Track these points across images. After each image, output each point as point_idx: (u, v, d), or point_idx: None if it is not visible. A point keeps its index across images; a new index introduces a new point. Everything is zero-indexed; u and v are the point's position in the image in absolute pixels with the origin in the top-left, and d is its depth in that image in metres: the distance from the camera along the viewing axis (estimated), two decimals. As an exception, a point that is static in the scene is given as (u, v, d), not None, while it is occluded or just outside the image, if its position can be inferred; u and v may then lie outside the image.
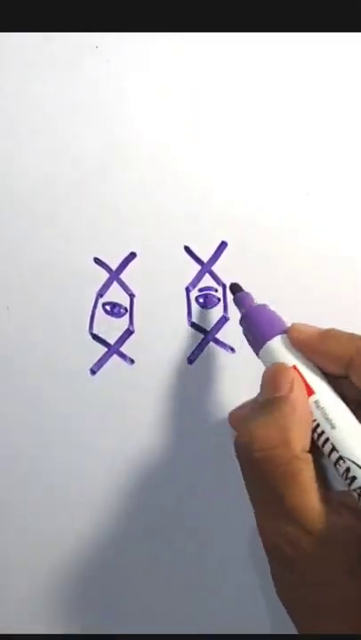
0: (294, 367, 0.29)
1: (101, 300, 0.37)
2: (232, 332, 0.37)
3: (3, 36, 0.38)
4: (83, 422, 0.37)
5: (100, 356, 0.37)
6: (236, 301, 0.34)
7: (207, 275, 0.37)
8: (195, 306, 0.37)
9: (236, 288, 0.34)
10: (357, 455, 0.27)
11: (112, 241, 0.37)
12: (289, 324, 0.31)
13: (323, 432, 0.28)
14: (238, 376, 0.37)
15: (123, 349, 0.37)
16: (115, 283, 0.37)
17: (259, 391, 0.30)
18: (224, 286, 0.37)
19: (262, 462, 0.27)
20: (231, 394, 0.37)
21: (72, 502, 0.37)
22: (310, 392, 0.29)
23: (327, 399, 0.28)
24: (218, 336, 0.37)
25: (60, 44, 0.38)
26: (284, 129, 0.38)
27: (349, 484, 0.27)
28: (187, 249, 0.37)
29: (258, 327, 0.31)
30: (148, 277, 0.37)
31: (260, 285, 0.37)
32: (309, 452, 0.28)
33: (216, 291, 0.37)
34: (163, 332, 0.37)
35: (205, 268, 0.37)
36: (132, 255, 0.37)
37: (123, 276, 0.37)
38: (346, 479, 0.27)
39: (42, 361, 0.37)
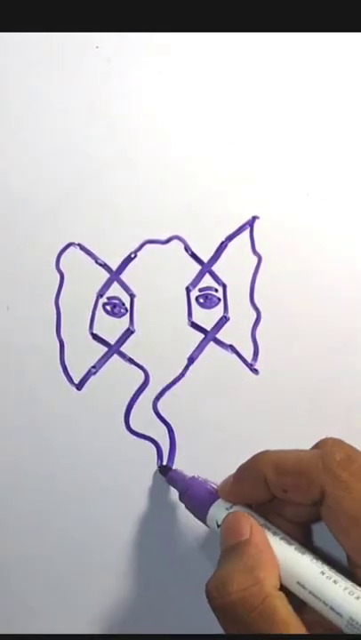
0: None
1: (101, 300, 0.37)
2: (232, 332, 0.37)
3: (3, 35, 0.38)
4: (83, 422, 0.37)
5: (99, 356, 0.37)
6: (170, 482, 0.35)
7: (207, 275, 0.37)
8: (195, 306, 0.37)
9: (164, 470, 0.36)
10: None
11: (112, 241, 0.37)
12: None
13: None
14: (238, 376, 0.37)
15: (123, 349, 0.37)
16: (115, 283, 0.37)
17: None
18: (224, 286, 0.37)
19: (238, 604, 0.27)
20: (231, 394, 0.37)
21: (72, 502, 0.37)
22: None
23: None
24: (218, 336, 0.37)
25: (60, 44, 0.38)
26: (285, 130, 0.38)
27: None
28: (187, 249, 0.37)
29: (196, 501, 0.33)
30: (148, 277, 0.37)
31: (261, 285, 0.37)
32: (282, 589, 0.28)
33: (216, 291, 0.37)
34: (163, 331, 0.37)
35: (205, 268, 0.37)
36: (133, 255, 0.37)
37: (123, 276, 0.37)
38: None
39: (42, 361, 0.37)
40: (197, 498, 0.33)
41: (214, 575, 0.28)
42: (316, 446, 0.30)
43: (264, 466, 0.30)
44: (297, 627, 0.26)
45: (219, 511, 0.31)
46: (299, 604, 0.27)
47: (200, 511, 0.32)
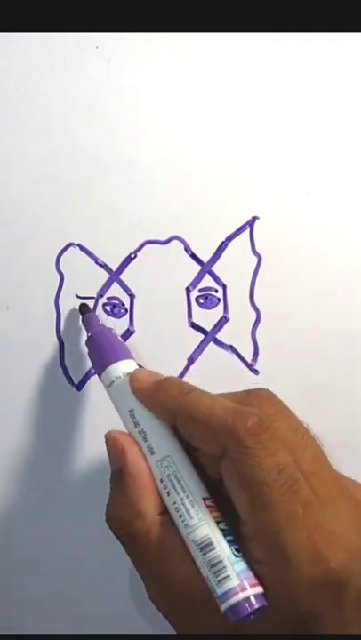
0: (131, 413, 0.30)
1: (101, 301, 0.37)
2: (232, 333, 0.37)
3: (3, 35, 0.38)
4: (83, 421, 0.37)
5: (100, 357, 0.37)
6: (83, 322, 0.35)
7: (207, 275, 0.37)
8: (195, 306, 0.37)
9: (84, 309, 0.36)
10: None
11: (112, 241, 0.37)
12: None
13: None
14: (238, 376, 0.37)
15: (123, 349, 0.37)
16: (115, 283, 0.37)
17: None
18: (224, 287, 0.37)
19: (124, 539, 0.28)
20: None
21: (72, 502, 0.37)
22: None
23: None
24: (218, 336, 0.37)
25: (60, 44, 0.38)
26: (285, 130, 0.38)
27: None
28: (187, 249, 0.37)
29: (101, 350, 0.32)
30: (148, 278, 0.37)
31: (261, 286, 0.37)
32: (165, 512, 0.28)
33: (216, 291, 0.37)
34: (163, 332, 0.37)
35: (205, 268, 0.37)
36: (132, 255, 0.37)
37: (123, 277, 0.37)
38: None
39: (42, 361, 0.37)
40: (104, 349, 0.32)
41: (107, 506, 0.28)
42: (247, 395, 0.28)
43: (180, 403, 0.28)
44: (179, 551, 0.27)
45: (119, 388, 0.30)
46: None
47: (99, 362, 0.31)
